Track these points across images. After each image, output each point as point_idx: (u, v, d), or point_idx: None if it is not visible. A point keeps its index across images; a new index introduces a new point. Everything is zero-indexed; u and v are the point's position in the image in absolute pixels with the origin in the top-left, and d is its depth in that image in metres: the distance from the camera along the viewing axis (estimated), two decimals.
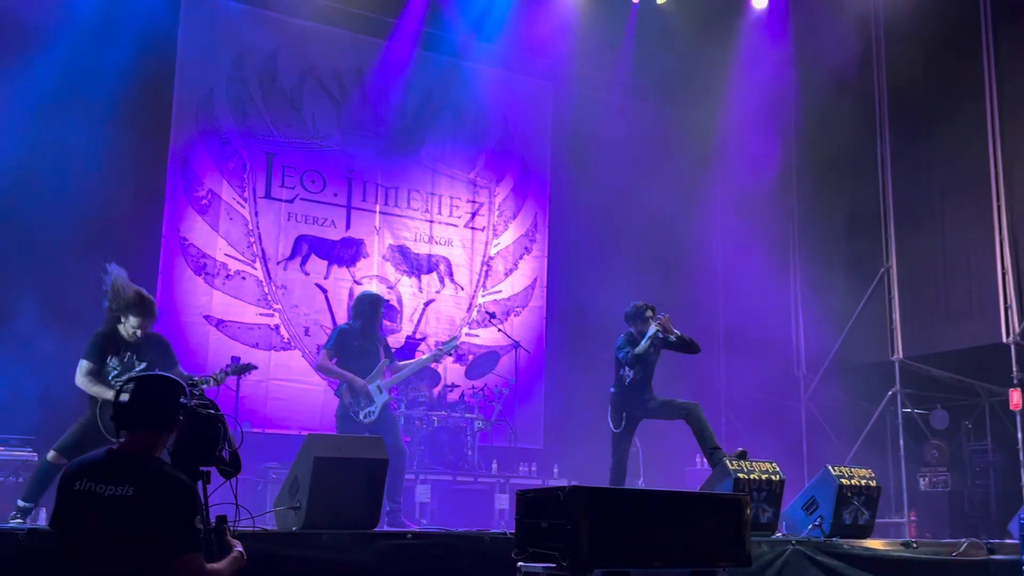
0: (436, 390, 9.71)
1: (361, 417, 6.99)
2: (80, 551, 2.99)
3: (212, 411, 3.34)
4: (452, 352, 8.59)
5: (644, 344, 7.28)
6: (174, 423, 3.19)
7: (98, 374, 6.08)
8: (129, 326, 6.10)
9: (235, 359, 9.06)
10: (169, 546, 2.96)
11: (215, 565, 3.11)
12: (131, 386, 3.18)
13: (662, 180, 11.81)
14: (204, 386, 5.78)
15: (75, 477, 3.07)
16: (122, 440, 3.16)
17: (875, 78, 11.02)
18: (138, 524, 2.95)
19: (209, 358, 9.62)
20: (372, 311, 7.41)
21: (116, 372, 6.12)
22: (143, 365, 6.17)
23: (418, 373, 8.31)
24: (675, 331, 7.35)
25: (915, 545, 6.54)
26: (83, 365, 6.08)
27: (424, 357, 7.92)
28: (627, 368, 7.35)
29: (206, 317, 9.83)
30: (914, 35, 10.55)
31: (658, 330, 7.29)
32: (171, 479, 3.05)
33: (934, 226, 10.36)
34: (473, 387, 10.12)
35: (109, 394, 5.92)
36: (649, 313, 7.47)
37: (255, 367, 7.32)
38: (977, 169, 9.78)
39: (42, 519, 6.31)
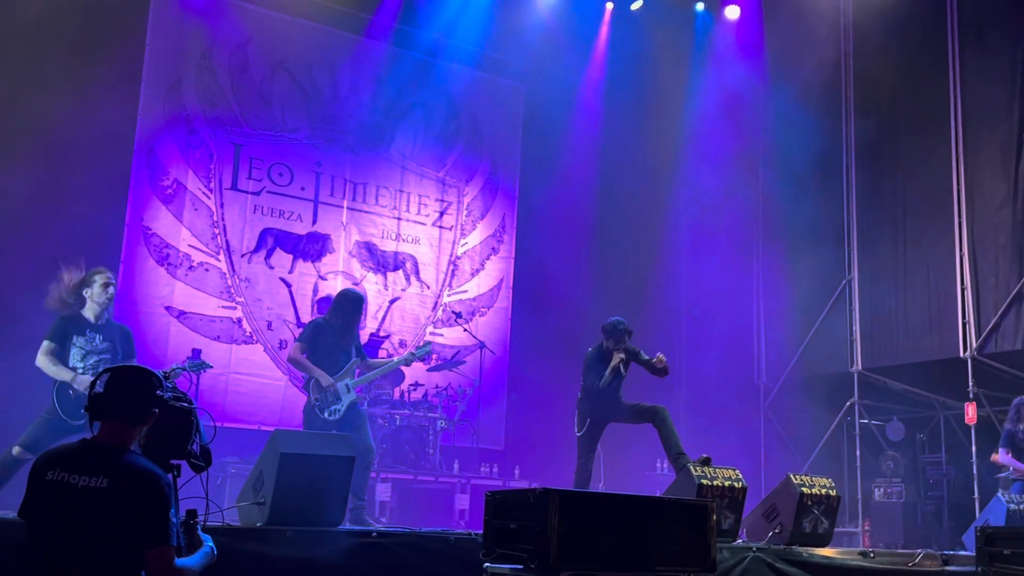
0: (399, 389, 9.67)
1: (326, 415, 6.90)
2: (50, 542, 2.93)
3: (185, 404, 3.29)
4: (425, 357, 8.51)
5: (606, 376, 7.33)
6: (149, 415, 3.13)
7: (59, 355, 6.06)
8: (93, 301, 6.16)
9: (196, 352, 8.94)
10: (142, 539, 2.91)
11: (185, 560, 3.06)
12: (105, 376, 3.12)
13: (629, 185, 11.89)
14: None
15: (47, 467, 3.00)
16: (95, 431, 3.09)
17: (843, 92, 11.18)
18: (111, 516, 2.89)
19: (169, 350, 9.50)
20: (353, 310, 7.30)
21: (82, 353, 6.11)
22: (107, 345, 6.18)
23: (398, 365, 8.24)
24: (645, 359, 7.40)
25: (872, 555, 6.62)
26: (44, 345, 6.08)
27: (395, 360, 7.80)
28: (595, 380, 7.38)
29: (167, 308, 9.69)
30: (882, 52, 10.72)
31: (619, 363, 7.33)
32: (147, 471, 3.00)
33: (896, 240, 10.52)
34: (437, 386, 10.10)
35: (67, 375, 5.98)
36: (626, 337, 7.44)
37: (211, 365, 7.25)
38: (940, 186, 9.95)
39: None
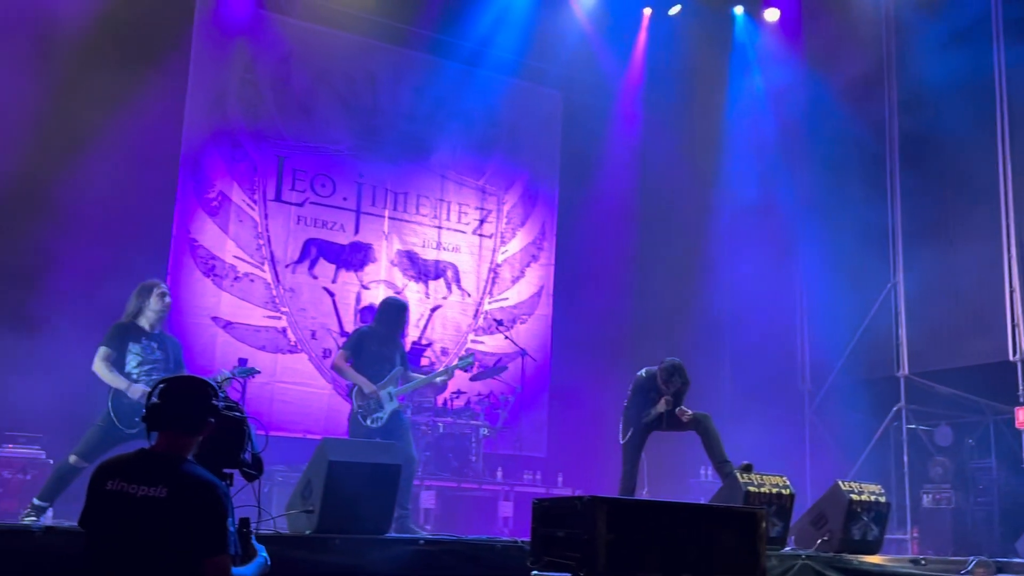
0: (442, 397, 9.71)
1: (368, 422, 6.96)
2: (110, 551, 2.98)
3: (237, 413, 3.34)
4: (468, 368, 8.52)
5: (650, 415, 7.22)
6: (206, 425, 3.18)
7: (116, 362, 6.16)
8: (150, 310, 6.32)
9: (242, 361, 9.08)
10: (200, 548, 2.95)
11: (242, 570, 3.10)
12: (161, 387, 3.17)
13: (670, 190, 11.84)
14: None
15: (107, 476, 3.05)
16: (152, 441, 3.15)
17: (886, 91, 11.04)
18: (170, 525, 2.93)
19: (216, 360, 9.62)
20: (397, 318, 7.36)
21: (137, 360, 6.21)
22: (160, 355, 6.30)
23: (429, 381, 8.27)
24: (687, 414, 7.23)
25: (923, 562, 6.53)
26: (101, 351, 6.17)
27: (436, 373, 7.81)
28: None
29: (214, 319, 9.83)
30: (926, 48, 10.55)
31: (663, 412, 7.20)
32: (205, 481, 3.04)
33: (942, 242, 10.36)
34: (479, 394, 10.13)
35: (122, 384, 6.05)
36: (680, 385, 7.23)
37: (258, 371, 7.34)
38: (987, 186, 9.79)
39: (47, 518, 6.31)
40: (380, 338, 7.22)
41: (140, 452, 3.12)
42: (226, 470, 3.35)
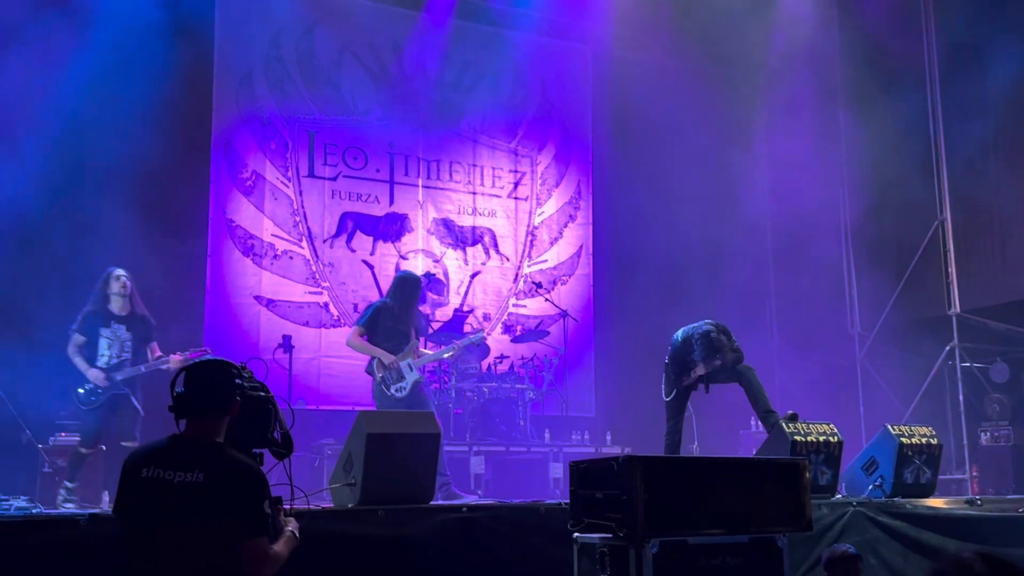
0: (486, 362, 9.71)
1: (392, 391, 7.09)
2: (150, 538, 3.02)
3: (262, 393, 3.34)
4: (479, 343, 8.60)
5: (690, 380, 7.00)
6: (234, 404, 3.19)
7: (88, 346, 6.82)
8: (113, 294, 6.95)
9: (286, 338, 9.17)
10: (238, 530, 2.98)
11: (275, 547, 3.12)
12: (183, 375, 3.19)
13: (706, 139, 11.61)
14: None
15: (141, 464, 3.08)
16: (181, 428, 3.17)
17: (923, 23, 10.67)
18: (208, 510, 2.96)
19: (261, 338, 9.73)
20: (409, 292, 7.47)
21: (108, 343, 6.84)
22: (130, 335, 6.92)
23: (467, 347, 8.31)
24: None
25: (979, 502, 6.41)
26: (74, 338, 6.88)
27: (442, 351, 8.01)
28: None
29: (256, 297, 9.91)
30: None
31: (694, 381, 7.01)
32: (240, 464, 3.07)
33: (988, 175, 10.07)
34: (522, 357, 10.11)
35: (83, 367, 6.78)
36: (713, 354, 6.89)
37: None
38: None
39: (105, 501, 6.51)
40: (395, 313, 7.32)
41: (173, 438, 3.15)
42: (256, 450, 3.36)
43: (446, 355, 7.93)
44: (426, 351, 7.77)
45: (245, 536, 2.99)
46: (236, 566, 2.98)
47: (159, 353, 7.00)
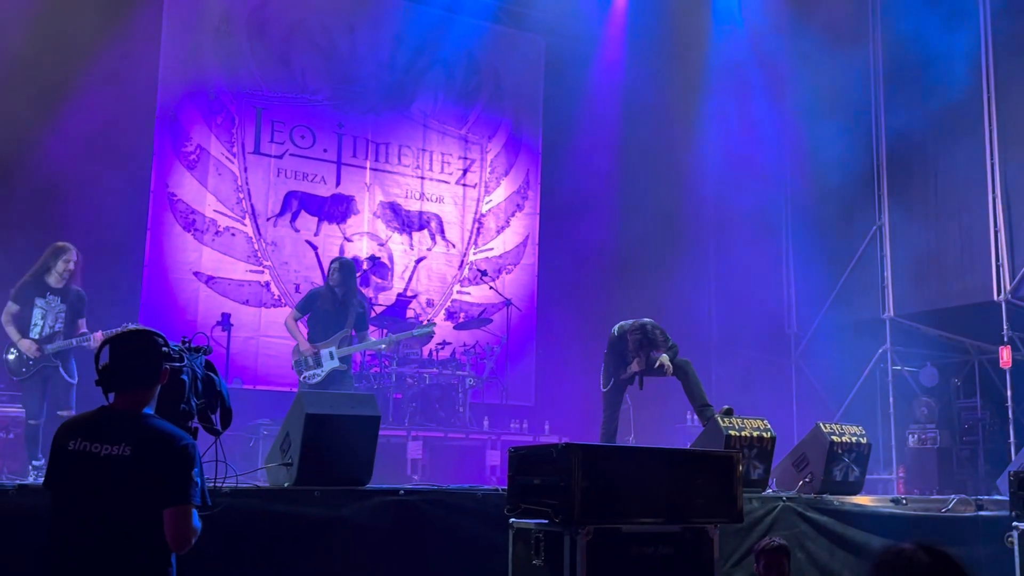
0: (427, 348, 9.69)
1: (303, 377, 7.16)
2: (76, 510, 2.95)
3: (177, 363, 3.27)
4: (424, 337, 8.69)
5: (627, 374, 7.15)
6: (162, 372, 3.14)
7: (21, 315, 6.77)
8: (55, 271, 6.84)
9: (225, 316, 9.05)
10: (163, 499, 2.92)
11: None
12: (108, 347, 3.10)
13: (654, 135, 11.72)
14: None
15: (68, 436, 3.01)
16: (110, 400, 3.10)
17: (870, 28, 10.88)
18: (135, 482, 2.91)
19: (199, 315, 9.58)
20: (342, 278, 7.53)
21: (41, 313, 6.80)
22: (64, 307, 6.86)
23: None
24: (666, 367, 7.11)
25: (904, 501, 6.57)
26: (8, 306, 6.83)
27: (376, 340, 8.07)
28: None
29: (196, 273, 9.76)
30: None
31: (633, 375, 7.15)
32: (167, 433, 3.01)
33: (927, 183, 10.30)
34: (464, 344, 10.12)
35: (15, 336, 6.74)
36: (647, 347, 7.08)
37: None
38: (971, 126, 9.69)
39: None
40: (331, 298, 7.33)
41: (100, 410, 3.08)
42: (192, 424, 3.31)
43: (383, 346, 7.96)
44: (370, 339, 7.80)
45: (167, 503, 2.93)
46: (161, 535, 2.93)
47: (84, 330, 6.88)
